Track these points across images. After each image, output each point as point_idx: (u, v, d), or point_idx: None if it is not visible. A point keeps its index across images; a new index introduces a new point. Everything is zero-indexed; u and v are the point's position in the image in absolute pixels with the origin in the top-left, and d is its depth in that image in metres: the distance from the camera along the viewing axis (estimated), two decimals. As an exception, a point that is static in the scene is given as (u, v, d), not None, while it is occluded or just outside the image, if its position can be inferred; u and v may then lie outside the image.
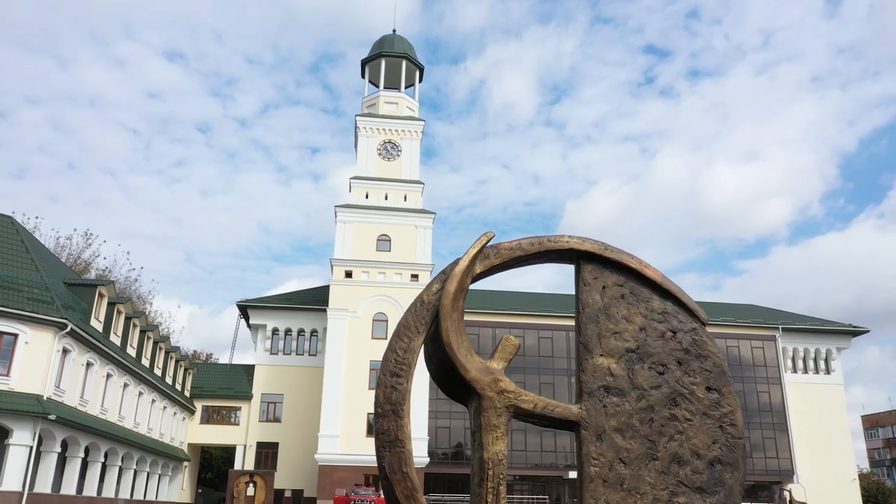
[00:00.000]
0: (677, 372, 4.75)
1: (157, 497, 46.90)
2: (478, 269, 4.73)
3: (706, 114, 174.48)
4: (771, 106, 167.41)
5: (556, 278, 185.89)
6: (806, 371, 61.08)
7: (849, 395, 63.44)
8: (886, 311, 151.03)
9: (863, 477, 71.92)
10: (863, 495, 61.57)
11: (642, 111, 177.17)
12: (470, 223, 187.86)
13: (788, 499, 49.60)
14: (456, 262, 4.66)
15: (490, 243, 4.79)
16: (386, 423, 4.41)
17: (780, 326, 60.46)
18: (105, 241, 72.64)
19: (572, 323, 57.06)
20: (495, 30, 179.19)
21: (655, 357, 4.76)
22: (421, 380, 51.70)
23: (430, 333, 4.60)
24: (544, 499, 53.19)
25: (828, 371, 61.29)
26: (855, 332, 63.09)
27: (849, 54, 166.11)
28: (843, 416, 60.79)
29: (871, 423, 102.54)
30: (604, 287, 4.87)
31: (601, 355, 4.72)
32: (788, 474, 57.32)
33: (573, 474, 53.86)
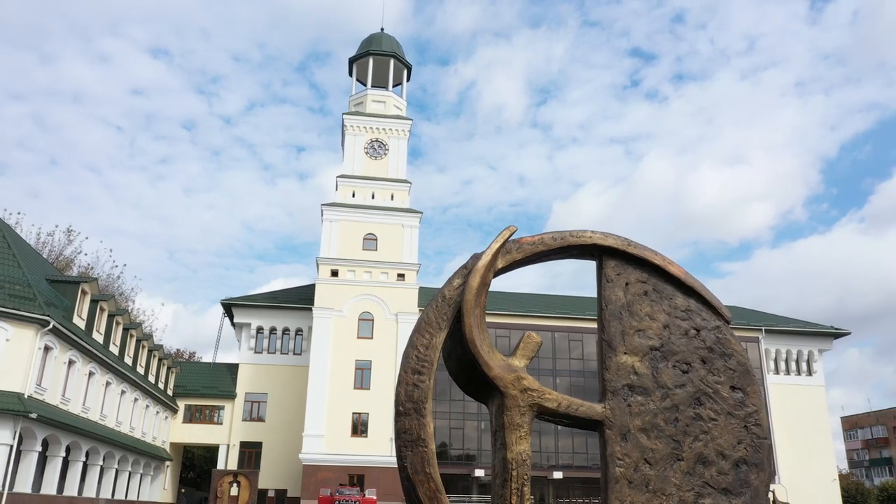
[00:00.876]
0: (701, 370, 4.65)
1: (138, 497, 46.35)
2: (500, 263, 4.61)
3: (691, 117, 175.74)
4: (756, 110, 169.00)
5: (540, 280, 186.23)
6: (788, 372, 61.58)
7: (829, 396, 64.06)
8: (866, 313, 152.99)
9: (842, 477, 72.65)
10: (843, 496, 62.19)
11: (627, 114, 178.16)
12: (455, 223, 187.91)
13: (772, 499, 49.91)
14: (477, 257, 4.53)
15: (511, 238, 4.66)
16: (408, 421, 4.26)
17: (763, 328, 60.92)
18: (87, 238, 71.77)
19: (558, 323, 57.23)
20: (486, 33, 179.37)
21: (679, 355, 4.66)
22: (406, 379, 51.61)
23: (451, 329, 4.47)
24: (529, 499, 53.06)
25: (809, 373, 61.83)
26: (836, 335, 63.71)
27: (831, 60, 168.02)
28: (824, 418, 61.34)
29: (851, 425, 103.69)
30: (627, 284, 4.76)
31: (625, 353, 4.61)
32: (770, 475, 57.71)
33: (557, 474, 53.98)
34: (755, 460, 4.54)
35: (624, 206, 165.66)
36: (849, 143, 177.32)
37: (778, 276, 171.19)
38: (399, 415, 4.27)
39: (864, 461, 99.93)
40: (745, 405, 4.63)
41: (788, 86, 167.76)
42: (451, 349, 4.56)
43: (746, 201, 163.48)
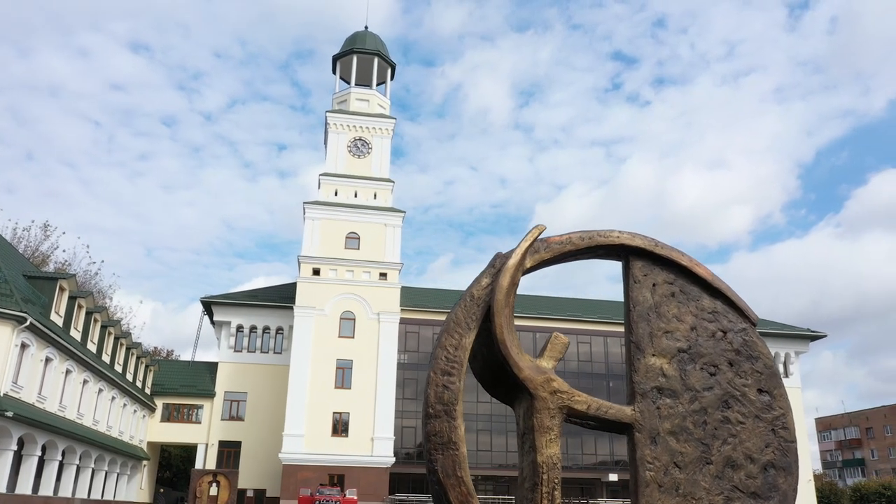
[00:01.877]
0: (729, 373, 4.61)
1: (114, 496, 45.68)
2: (528, 263, 4.53)
3: (672, 121, 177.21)
4: (736, 116, 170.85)
5: (525, 280, 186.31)
6: (766, 374, 62.27)
7: (804, 398, 64.93)
8: (840, 317, 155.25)
9: (816, 478, 73.60)
10: (817, 496, 63.01)
11: (609, 117, 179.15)
12: (436, 224, 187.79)
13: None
14: (505, 256, 4.45)
15: (539, 237, 4.58)
16: (438, 424, 4.16)
17: (742, 330, 61.54)
18: (64, 233, 70.59)
19: (537, 323, 57.25)
20: (472, 36, 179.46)
21: (707, 357, 4.62)
22: (388, 378, 51.43)
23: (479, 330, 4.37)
24: (510, 499, 53.17)
25: (786, 374, 62.54)
26: (813, 337, 64.54)
27: (809, 67, 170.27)
28: (800, 419, 62.05)
29: (825, 426, 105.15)
30: (654, 285, 4.71)
31: (653, 355, 4.56)
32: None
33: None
34: (783, 464, 4.51)
35: (607, 208, 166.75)
36: (826, 148, 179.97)
37: (755, 280, 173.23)
38: (429, 417, 4.17)
39: (837, 462, 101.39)
40: (773, 408, 4.60)
41: (768, 92, 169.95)
42: (477, 350, 4.47)
43: (726, 205, 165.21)
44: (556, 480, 4.20)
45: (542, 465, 4.17)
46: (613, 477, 54.59)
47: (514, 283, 4.40)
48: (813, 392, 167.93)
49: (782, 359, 62.84)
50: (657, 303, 4.67)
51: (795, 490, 4.53)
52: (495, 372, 4.41)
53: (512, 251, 4.47)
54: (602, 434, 57.37)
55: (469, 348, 4.29)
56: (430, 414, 4.18)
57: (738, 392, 4.58)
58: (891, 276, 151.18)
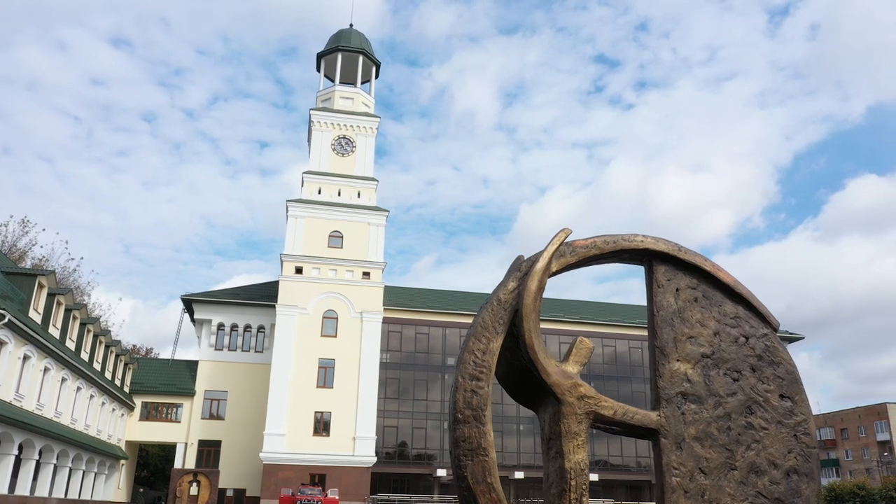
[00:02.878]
0: (751, 379, 4.61)
1: (91, 496, 45.06)
2: (554, 267, 4.50)
3: (653, 124, 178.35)
4: (716, 120, 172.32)
5: (500, 279, 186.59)
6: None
7: (783, 399, 65.25)
8: (816, 319, 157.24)
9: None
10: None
11: (591, 119, 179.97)
12: (418, 223, 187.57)
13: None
14: (532, 260, 4.41)
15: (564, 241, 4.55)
16: (467, 429, 4.11)
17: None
18: (44, 230, 69.50)
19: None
20: (460, 38, 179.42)
21: (730, 363, 4.62)
22: (371, 378, 51.25)
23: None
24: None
25: (765, 376, 63.24)
26: (790, 339, 65.33)
27: (788, 72, 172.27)
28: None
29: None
30: (677, 289, 4.70)
31: (678, 360, 4.55)
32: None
33: (519, 474, 54.16)
34: (805, 470, 4.52)
35: (590, 210, 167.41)
36: (805, 153, 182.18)
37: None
38: (457, 422, 4.12)
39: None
40: (795, 414, 4.61)
41: (748, 96, 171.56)
42: (501, 354, 4.43)
43: (707, 208, 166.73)
44: (584, 486, 4.17)
45: (570, 472, 4.14)
46: (594, 477, 54.81)
47: (541, 287, 4.36)
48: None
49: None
50: (681, 308, 4.66)
51: (818, 496, 4.54)
52: (519, 376, 4.38)
53: (538, 255, 4.44)
54: (583, 434, 57.73)
55: (497, 353, 4.25)
56: (459, 419, 4.13)
57: (761, 398, 4.59)
58: (866, 280, 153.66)
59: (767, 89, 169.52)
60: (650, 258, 4.74)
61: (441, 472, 52.74)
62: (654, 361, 4.57)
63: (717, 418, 4.47)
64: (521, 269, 4.45)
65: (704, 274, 4.74)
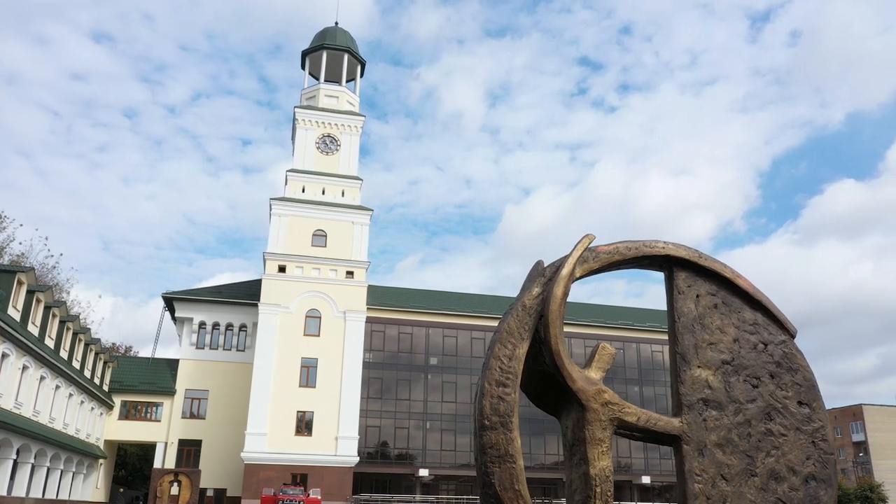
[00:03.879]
0: (770, 385, 4.64)
1: (69, 496, 44.47)
2: (577, 273, 4.49)
3: (636, 127, 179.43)
4: (697, 124, 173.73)
5: (488, 282, 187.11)
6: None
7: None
8: (793, 321, 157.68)
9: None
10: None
11: (574, 120, 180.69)
12: (401, 223, 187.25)
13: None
14: (556, 266, 4.40)
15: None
16: (494, 436, 4.09)
17: (702, 333, 62.59)
18: (21, 225, 68.37)
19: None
20: (448, 40, 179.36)
21: (749, 370, 4.64)
22: (354, 377, 51.08)
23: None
24: (473, 499, 53.27)
25: (744, 377, 63.90)
26: (770, 341, 65.99)
27: (769, 78, 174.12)
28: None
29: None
30: (697, 296, 4.72)
31: (699, 367, 4.56)
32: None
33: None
34: (823, 476, 4.55)
35: (575, 211, 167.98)
36: (786, 158, 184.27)
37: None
38: (484, 429, 4.09)
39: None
40: (812, 420, 4.64)
41: (728, 101, 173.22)
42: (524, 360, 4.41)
43: (689, 211, 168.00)
44: (609, 493, 4.17)
45: (595, 478, 4.13)
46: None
47: (566, 293, 4.36)
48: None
49: (740, 362, 64.18)
50: (701, 314, 4.68)
51: (835, 501, 4.58)
52: (541, 382, 4.37)
53: (562, 260, 4.43)
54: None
55: (523, 359, 4.23)
56: (486, 426, 4.10)
57: (780, 404, 4.62)
58: (842, 283, 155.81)
59: (748, 94, 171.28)
60: (670, 264, 4.76)
61: (423, 472, 52.68)
62: (676, 368, 4.59)
63: (738, 425, 4.49)
64: (544, 274, 4.44)
65: (723, 280, 4.76)
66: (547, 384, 4.35)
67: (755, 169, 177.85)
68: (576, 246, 4.46)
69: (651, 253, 4.67)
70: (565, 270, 4.34)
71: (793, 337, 4.82)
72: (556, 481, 57.09)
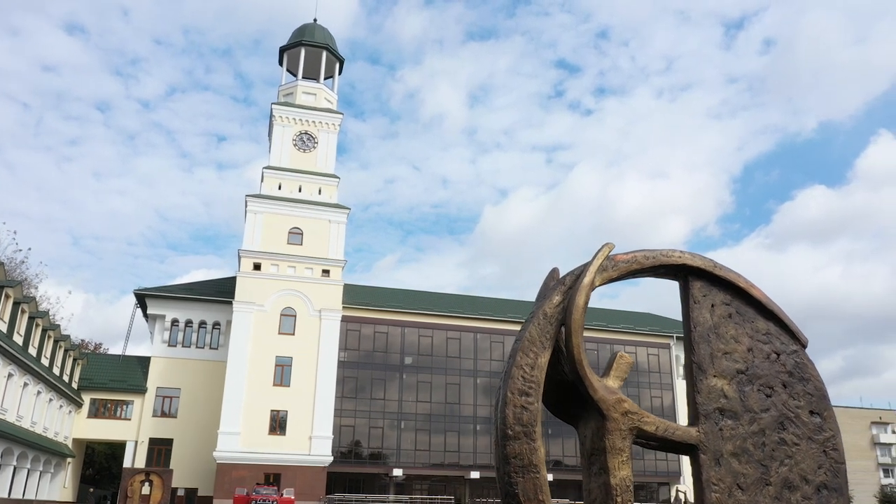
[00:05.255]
0: (783, 395, 4.69)
1: (36, 496, 43.61)
2: (597, 281, 4.49)
3: (613, 130, 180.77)
4: (672, 129, 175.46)
5: (465, 282, 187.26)
6: (696, 378, 64.26)
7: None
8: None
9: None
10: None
11: (550, 122, 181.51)
12: (376, 221, 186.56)
13: (683, 500, 51.96)
14: (575, 274, 4.39)
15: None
16: (518, 446, 4.06)
17: (674, 335, 63.33)
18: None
19: (478, 324, 57.56)
20: (432, 42, 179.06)
21: (763, 379, 4.68)
22: (328, 377, 50.81)
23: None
24: (450, 499, 53.30)
25: (715, 379, 64.75)
26: (740, 343, 66.97)
27: (742, 85, 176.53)
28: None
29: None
30: (712, 305, 4.75)
31: (714, 376, 4.59)
32: (675, 475, 60.16)
33: (475, 474, 54.35)
34: (835, 485, 4.61)
35: (553, 213, 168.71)
36: (758, 164, 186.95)
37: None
38: (507, 438, 4.07)
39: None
40: (824, 430, 4.70)
41: (703, 107, 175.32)
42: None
43: (664, 215, 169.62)
44: (629, 502, 4.17)
45: (616, 488, 4.13)
46: (549, 477, 55.32)
47: (587, 302, 4.35)
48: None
49: (711, 363, 65.03)
50: (716, 324, 4.71)
51: (846, 510, 4.64)
52: (559, 391, 4.36)
53: (582, 269, 4.43)
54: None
55: (545, 368, 4.22)
56: (509, 435, 4.08)
57: (793, 413, 4.66)
58: (812, 287, 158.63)
59: (722, 101, 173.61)
60: (686, 274, 4.78)
61: (397, 472, 52.58)
62: (692, 377, 4.61)
63: (753, 434, 4.53)
64: (564, 282, 4.43)
65: (737, 290, 4.80)
66: (564, 393, 4.35)
67: (729, 174, 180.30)
68: (596, 255, 4.46)
69: (668, 262, 4.69)
70: (587, 279, 4.33)
71: (804, 347, 4.88)
72: (457, 479, 57.20)
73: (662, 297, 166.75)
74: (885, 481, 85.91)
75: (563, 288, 4.40)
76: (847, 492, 4.68)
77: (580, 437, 4.43)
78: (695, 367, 4.60)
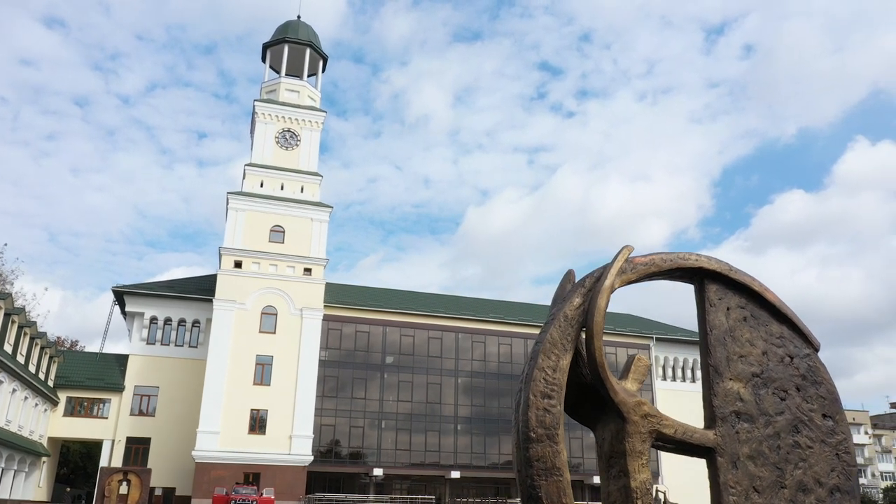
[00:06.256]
0: (797, 398, 4.72)
1: (10, 495, 42.90)
2: (616, 284, 4.49)
3: (596, 133, 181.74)
4: (655, 133, 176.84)
5: (443, 280, 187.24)
6: (675, 379, 64.86)
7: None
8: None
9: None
10: (717, 496, 66.14)
11: (532, 124, 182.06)
12: (357, 220, 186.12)
13: (663, 499, 52.30)
14: (595, 277, 4.38)
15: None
16: (541, 448, 4.04)
17: (654, 336, 63.84)
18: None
19: (459, 324, 57.50)
20: (419, 43, 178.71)
21: (777, 382, 4.71)
22: (309, 376, 50.54)
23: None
24: (431, 499, 53.24)
25: (693, 379, 65.32)
26: (718, 344, 67.69)
27: (723, 89, 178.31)
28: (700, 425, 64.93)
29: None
30: (728, 309, 4.77)
31: (730, 379, 4.61)
32: (653, 475, 60.65)
33: (455, 474, 54.33)
34: (847, 488, 4.64)
35: (536, 214, 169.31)
36: (739, 168, 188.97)
37: (666, 287, 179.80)
38: (530, 441, 4.04)
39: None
40: (836, 433, 4.73)
41: (684, 111, 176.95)
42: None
43: (644, 217, 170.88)
44: (649, 505, 4.17)
45: (636, 490, 4.13)
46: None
47: (608, 305, 4.35)
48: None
49: (690, 364, 65.61)
50: (731, 327, 4.73)
51: (858, 513, 4.67)
52: (577, 393, 4.35)
53: (602, 271, 4.42)
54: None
55: (567, 370, 4.20)
56: (532, 438, 4.06)
57: (806, 417, 4.70)
58: (788, 290, 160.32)
59: (704, 105, 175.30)
60: (701, 277, 4.79)
61: (377, 472, 52.42)
62: (709, 380, 4.62)
63: (768, 437, 4.55)
64: (584, 284, 4.42)
65: (751, 293, 4.82)
66: (582, 395, 4.34)
67: (710, 178, 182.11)
68: (616, 257, 4.46)
69: (685, 265, 4.70)
70: (608, 282, 4.33)
71: (816, 351, 4.91)
72: (509, 481, 57.43)
73: (640, 299, 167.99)
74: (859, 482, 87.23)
75: (583, 290, 4.39)
76: (859, 494, 4.72)
77: (597, 439, 4.42)
78: (711, 370, 4.62)
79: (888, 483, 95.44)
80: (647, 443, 4.25)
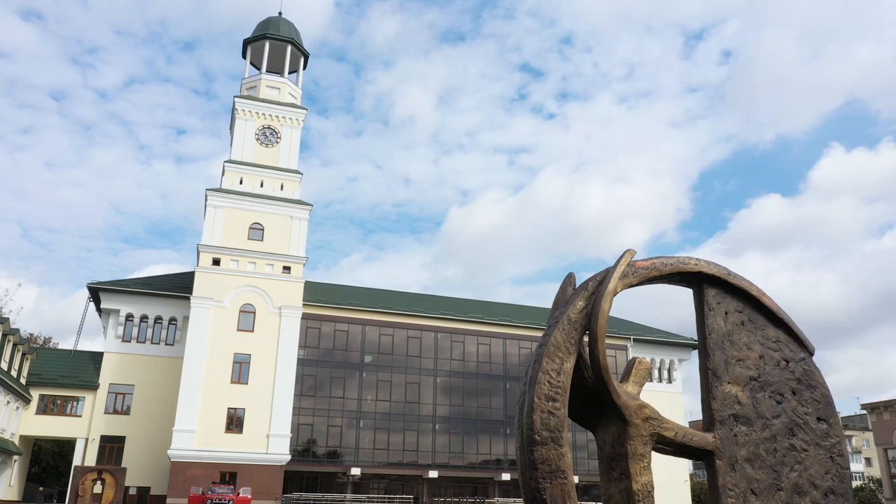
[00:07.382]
0: (793, 401, 4.78)
1: (-20, 495, 42.23)
2: (618, 287, 4.52)
3: (575, 135, 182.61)
4: (633, 135, 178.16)
5: (427, 281, 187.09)
6: (651, 380, 65.38)
7: (683, 401, 68.45)
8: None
9: (691, 478, 78.04)
10: (692, 496, 66.84)
11: (513, 125, 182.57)
12: (337, 219, 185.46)
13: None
14: (598, 280, 4.40)
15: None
16: (545, 451, 4.05)
17: (632, 337, 64.34)
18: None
19: (439, 323, 57.47)
20: (404, 43, 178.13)
21: (774, 386, 4.77)
22: (287, 374, 50.26)
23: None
24: (409, 498, 53.19)
25: (669, 380, 65.98)
26: (694, 346, 68.37)
27: (702, 94, 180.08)
28: (680, 422, 65.58)
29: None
30: (726, 313, 4.82)
31: (729, 382, 4.66)
32: None
33: (433, 473, 54.32)
34: (841, 490, 4.72)
35: (518, 215, 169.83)
36: (717, 173, 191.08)
37: (643, 290, 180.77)
38: (535, 444, 4.05)
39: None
40: (830, 436, 4.81)
41: (663, 114, 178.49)
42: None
43: (624, 220, 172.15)
44: (651, 508, 4.20)
45: (638, 493, 4.16)
46: (506, 476, 55.68)
47: (610, 308, 4.37)
48: (689, 397, 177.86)
49: (667, 365, 66.22)
50: (729, 331, 4.78)
51: (851, 515, 4.74)
52: (578, 396, 4.37)
53: (605, 275, 4.44)
54: (496, 433, 58.52)
55: (571, 373, 4.22)
56: (537, 441, 4.07)
57: (801, 420, 4.77)
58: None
59: (682, 110, 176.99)
60: (700, 281, 4.84)
61: (355, 471, 52.28)
62: (707, 383, 4.67)
63: (765, 440, 4.61)
64: (587, 287, 4.44)
65: (749, 298, 4.88)
66: (583, 398, 4.36)
67: (689, 181, 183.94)
68: (619, 261, 4.49)
69: (685, 269, 4.75)
70: (611, 286, 4.35)
71: (811, 354, 4.98)
72: (487, 480, 57.58)
73: (617, 299, 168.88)
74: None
75: (586, 293, 4.41)
76: (852, 497, 4.80)
77: (598, 442, 4.45)
78: (710, 374, 4.67)
79: (858, 483, 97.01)
80: (648, 445, 4.29)
